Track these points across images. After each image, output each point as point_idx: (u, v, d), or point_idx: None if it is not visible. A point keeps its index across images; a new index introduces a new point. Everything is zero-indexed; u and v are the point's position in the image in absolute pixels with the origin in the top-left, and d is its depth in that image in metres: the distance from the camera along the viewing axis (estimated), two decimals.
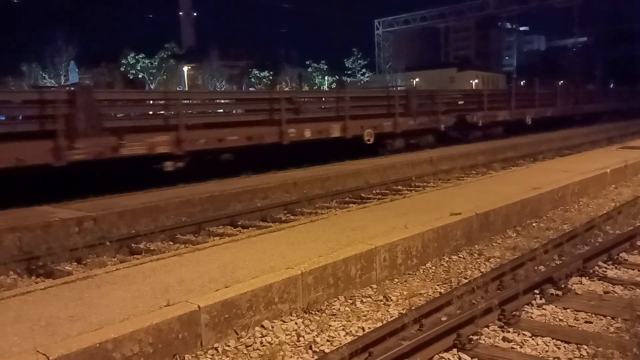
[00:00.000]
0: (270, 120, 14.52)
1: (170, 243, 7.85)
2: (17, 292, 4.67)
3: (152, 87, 64.15)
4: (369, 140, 16.18)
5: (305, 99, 17.55)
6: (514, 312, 4.57)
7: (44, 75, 57.53)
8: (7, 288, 5.63)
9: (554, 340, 4.16)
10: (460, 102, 23.12)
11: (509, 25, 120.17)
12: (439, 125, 19.48)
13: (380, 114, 17.74)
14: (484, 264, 6.27)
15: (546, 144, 19.97)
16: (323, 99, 19.53)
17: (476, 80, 79.33)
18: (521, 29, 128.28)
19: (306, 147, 15.18)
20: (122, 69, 67.98)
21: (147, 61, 69.46)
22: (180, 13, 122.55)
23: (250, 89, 63.16)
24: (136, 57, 69.00)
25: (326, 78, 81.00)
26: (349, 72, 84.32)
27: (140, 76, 68.12)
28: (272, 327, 4.53)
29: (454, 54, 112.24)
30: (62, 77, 58.84)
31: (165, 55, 71.10)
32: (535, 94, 26.83)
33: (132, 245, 7.59)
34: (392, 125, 17.60)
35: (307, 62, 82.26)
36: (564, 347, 4.07)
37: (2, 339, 3.68)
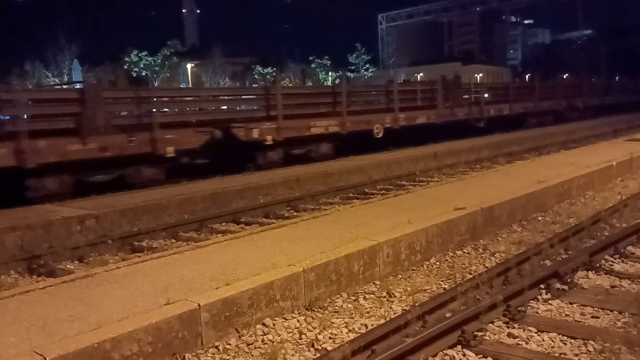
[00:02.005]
0: None
1: (173, 241, 7.82)
2: (15, 292, 4.63)
3: (156, 84, 64.15)
4: None
5: None
6: (520, 308, 4.50)
7: (47, 73, 57.60)
8: (7, 288, 5.60)
9: (560, 336, 4.09)
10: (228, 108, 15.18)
11: (513, 19, 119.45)
12: (160, 149, 11.36)
13: None
14: (489, 259, 6.20)
15: (551, 137, 19.83)
16: None
17: (481, 75, 78.82)
18: (525, 22, 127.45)
19: None
20: (125, 66, 68.02)
21: (150, 59, 69.45)
22: (184, 10, 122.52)
23: (254, 85, 63.15)
24: (139, 54, 69.02)
25: (330, 74, 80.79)
26: (352, 68, 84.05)
27: (143, 74, 68.15)
28: (274, 325, 4.47)
29: (458, 48, 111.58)
30: (65, 75, 58.92)
31: (169, 53, 71.07)
32: (392, 92, 18.10)
33: (134, 243, 7.56)
34: (11, 154, 9.50)
35: (311, 58, 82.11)
36: (570, 342, 4.00)
37: None
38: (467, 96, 21.52)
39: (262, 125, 13.72)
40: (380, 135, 16.75)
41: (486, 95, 23.62)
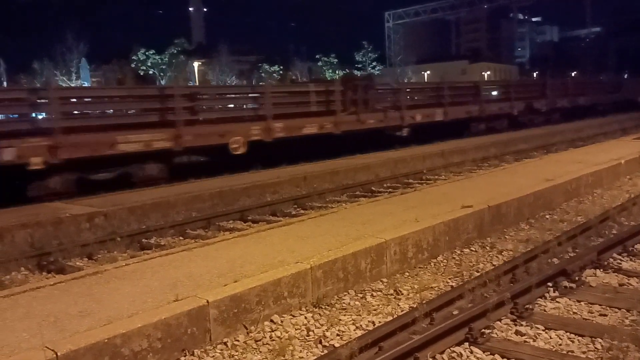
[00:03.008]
0: None
1: (180, 238, 7.86)
2: (27, 288, 4.68)
3: (163, 82, 64.37)
4: None
5: None
6: (527, 306, 4.49)
7: (55, 72, 57.93)
8: (18, 284, 5.67)
9: (568, 334, 4.09)
10: None
11: (521, 16, 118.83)
12: None
13: None
14: (496, 256, 6.19)
15: (559, 135, 19.74)
16: None
17: (488, 72, 78.63)
18: (533, 19, 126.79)
19: None
20: (132, 65, 68.30)
21: (157, 57, 69.73)
22: (190, 9, 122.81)
23: (260, 83, 63.28)
24: (146, 53, 69.30)
25: (336, 72, 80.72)
26: (359, 66, 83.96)
27: (150, 72, 68.45)
28: (282, 321, 4.50)
29: (465, 46, 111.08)
30: (74, 74, 59.26)
31: (176, 51, 71.30)
32: (264, 95, 14.33)
33: (143, 240, 7.60)
34: None
35: (317, 56, 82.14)
36: (578, 340, 4.00)
37: (12, 335, 3.69)
38: (389, 99, 18.16)
39: (24, 142, 9.71)
40: (241, 151, 12.55)
41: (416, 97, 20.43)
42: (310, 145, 14.61)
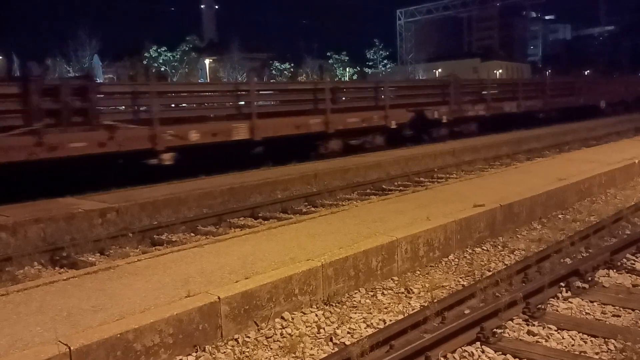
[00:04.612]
0: None
1: (192, 234, 7.89)
2: (40, 283, 4.72)
3: (175, 79, 64.69)
4: None
5: None
6: (539, 305, 4.46)
7: (68, 69, 58.42)
8: (31, 278, 5.72)
9: (581, 334, 4.06)
10: None
11: (533, 14, 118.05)
12: None
13: None
14: (508, 256, 6.16)
15: (571, 134, 19.58)
16: None
17: (500, 71, 78.18)
18: (546, 17, 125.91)
19: None
20: (144, 62, 68.69)
21: (169, 54, 70.07)
22: (202, 6, 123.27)
23: (271, 80, 63.40)
24: (158, 50, 69.65)
25: (347, 69, 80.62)
26: (370, 64, 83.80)
27: (162, 69, 68.80)
28: (293, 318, 4.50)
29: (477, 44, 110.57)
30: (86, 70, 59.73)
31: (187, 48, 71.63)
32: None
33: (154, 236, 7.63)
34: None
35: (328, 54, 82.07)
36: (591, 341, 3.97)
37: (25, 330, 3.72)
38: (135, 108, 11.81)
39: None
40: None
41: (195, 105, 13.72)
42: None
